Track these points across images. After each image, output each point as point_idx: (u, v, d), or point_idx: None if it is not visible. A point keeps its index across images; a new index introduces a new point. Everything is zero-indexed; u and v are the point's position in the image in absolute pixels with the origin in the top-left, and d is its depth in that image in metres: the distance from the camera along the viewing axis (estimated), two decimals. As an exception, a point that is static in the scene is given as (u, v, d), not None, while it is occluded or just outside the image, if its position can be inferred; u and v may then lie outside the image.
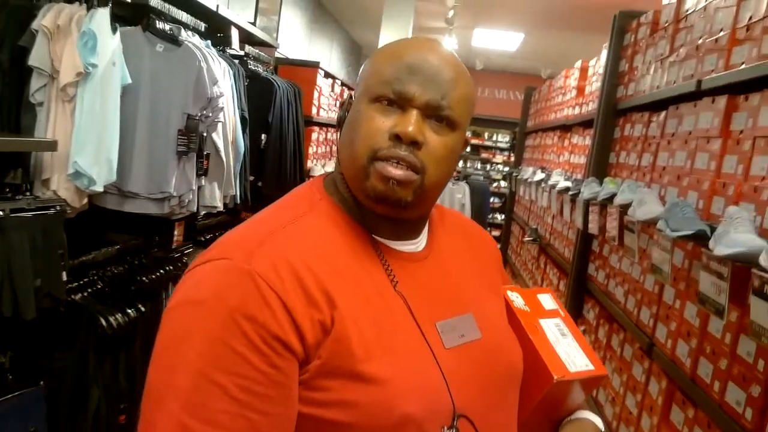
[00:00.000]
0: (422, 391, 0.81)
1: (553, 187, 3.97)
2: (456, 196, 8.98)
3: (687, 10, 2.39)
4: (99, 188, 2.19)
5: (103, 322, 2.21)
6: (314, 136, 5.35)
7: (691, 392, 1.79)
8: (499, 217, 10.24)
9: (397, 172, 0.83)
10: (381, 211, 0.88)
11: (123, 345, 2.34)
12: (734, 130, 1.85)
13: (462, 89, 0.89)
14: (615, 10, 3.34)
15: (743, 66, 1.79)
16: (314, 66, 5.32)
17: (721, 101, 1.92)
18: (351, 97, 0.93)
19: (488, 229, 9.94)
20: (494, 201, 10.65)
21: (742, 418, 1.48)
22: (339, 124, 0.94)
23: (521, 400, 0.96)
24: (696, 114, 2.12)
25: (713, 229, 1.67)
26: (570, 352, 0.99)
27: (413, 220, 0.93)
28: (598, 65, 3.86)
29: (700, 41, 2.16)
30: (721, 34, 1.98)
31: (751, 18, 1.80)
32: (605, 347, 2.74)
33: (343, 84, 6.45)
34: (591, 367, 0.98)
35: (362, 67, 0.95)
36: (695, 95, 2.13)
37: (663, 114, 2.47)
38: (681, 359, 1.89)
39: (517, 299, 1.06)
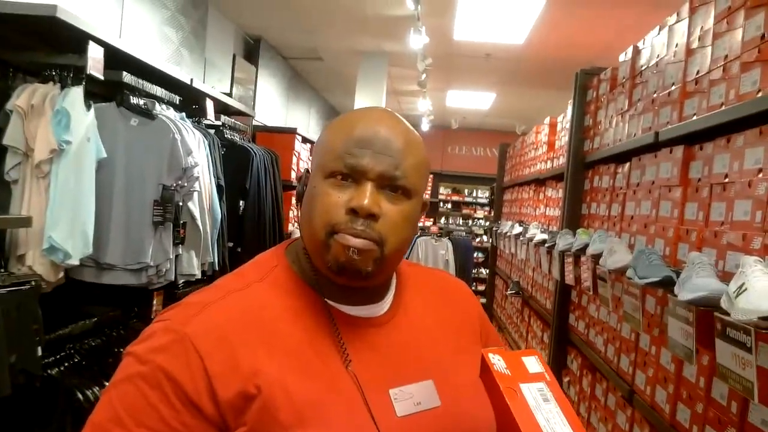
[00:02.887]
0: None
1: (531, 239, 4.03)
2: (440, 253, 8.99)
3: (641, 66, 2.50)
4: (75, 261, 2.20)
5: (80, 396, 2.18)
6: (293, 200, 5.40)
7: (671, 439, 1.79)
8: (484, 272, 10.26)
9: (356, 241, 0.85)
10: (342, 282, 0.90)
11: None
12: (692, 178, 1.91)
13: (414, 157, 0.90)
14: (578, 67, 3.48)
15: (695, 117, 1.87)
16: (291, 132, 5.42)
17: (678, 151, 2.00)
18: (308, 171, 0.95)
19: (473, 283, 9.94)
20: (478, 256, 10.69)
21: (719, 462, 1.48)
22: (299, 199, 0.96)
23: None
24: (657, 164, 2.19)
25: (679, 275, 1.71)
26: (551, 419, 0.93)
27: (373, 286, 0.94)
28: (565, 120, 3.98)
29: (655, 95, 2.25)
30: (673, 87, 2.07)
31: (698, 72, 1.89)
32: (590, 397, 2.73)
33: (320, 148, 6.54)
34: None
35: (317, 140, 0.97)
36: (654, 146, 2.21)
37: (627, 165, 2.55)
38: (660, 405, 1.89)
39: (498, 362, 1.01)
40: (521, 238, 4.47)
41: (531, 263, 4.23)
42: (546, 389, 1.01)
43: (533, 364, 1.06)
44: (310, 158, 0.99)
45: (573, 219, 3.26)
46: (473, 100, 9.14)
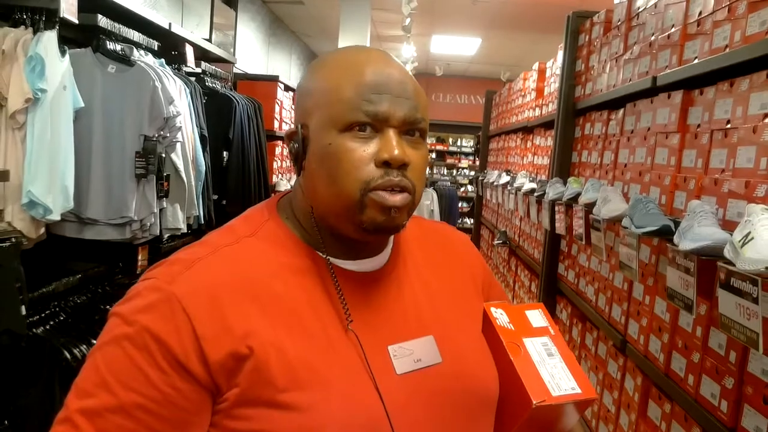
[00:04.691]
0: (354, 421, 0.77)
1: (519, 189, 3.99)
2: (424, 203, 8.97)
3: (638, 8, 2.42)
4: (56, 217, 2.13)
5: (68, 355, 2.14)
6: (277, 150, 5.32)
7: (666, 387, 1.79)
8: (469, 222, 10.29)
9: (395, 198, 0.81)
10: (372, 240, 0.86)
11: (89, 377, 2.26)
12: (691, 125, 1.87)
13: (424, 97, 0.86)
14: (568, 10, 3.38)
15: (696, 60, 1.82)
16: (274, 80, 5.28)
17: (677, 96, 1.94)
18: (301, 126, 0.86)
19: (457, 233, 9.97)
20: (462, 206, 10.69)
21: (717, 410, 1.48)
22: (296, 160, 0.87)
23: (501, 425, 0.92)
24: (653, 110, 2.14)
25: (677, 224, 1.68)
26: (555, 374, 0.92)
27: (376, 239, 0.89)
28: (555, 66, 3.90)
29: (653, 38, 2.19)
30: (673, 30, 2.00)
31: (701, 13, 1.82)
32: (580, 346, 2.74)
33: (304, 97, 6.41)
34: (578, 390, 0.91)
35: (303, 87, 0.88)
36: (651, 92, 2.15)
37: (621, 112, 2.49)
38: (654, 354, 1.89)
39: (501, 317, 0.98)
40: (509, 188, 4.43)
41: (519, 213, 4.20)
42: (550, 343, 0.98)
43: (537, 317, 1.03)
44: (294, 109, 0.90)
45: (563, 167, 3.22)
46: (458, 46, 8.97)
